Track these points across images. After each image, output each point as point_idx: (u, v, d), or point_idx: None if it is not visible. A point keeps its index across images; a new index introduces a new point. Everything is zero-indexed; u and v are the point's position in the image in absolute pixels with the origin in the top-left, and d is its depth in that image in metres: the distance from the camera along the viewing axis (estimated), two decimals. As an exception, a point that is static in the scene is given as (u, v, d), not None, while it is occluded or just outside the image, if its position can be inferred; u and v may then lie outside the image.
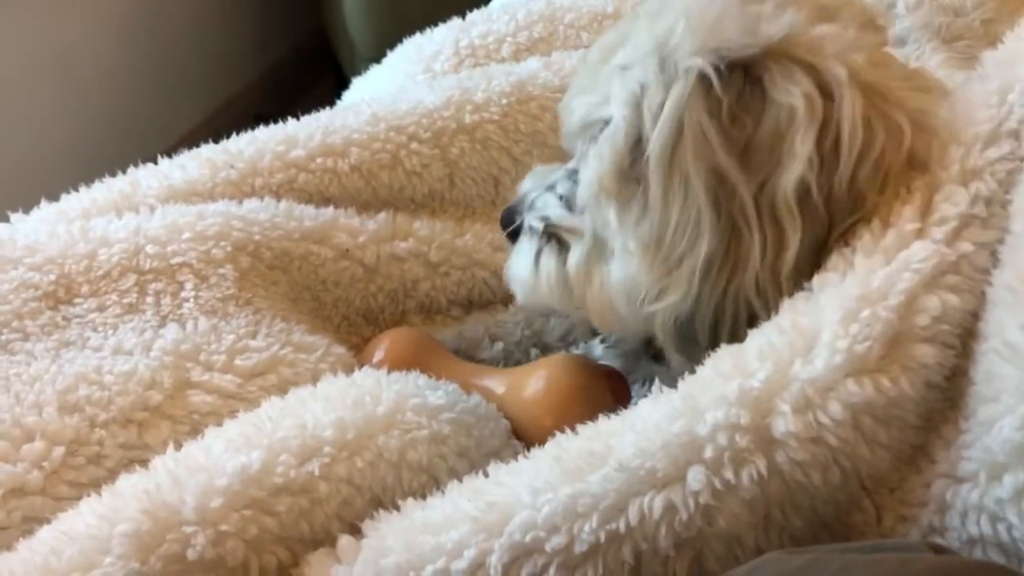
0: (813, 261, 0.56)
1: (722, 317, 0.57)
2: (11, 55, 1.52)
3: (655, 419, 0.51)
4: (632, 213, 0.58)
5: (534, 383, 0.68)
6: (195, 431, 0.63)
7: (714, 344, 0.55)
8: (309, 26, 2.25)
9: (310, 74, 2.21)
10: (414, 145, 0.85)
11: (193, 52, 1.97)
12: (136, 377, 0.64)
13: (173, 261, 0.71)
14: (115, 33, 1.79)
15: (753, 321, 0.56)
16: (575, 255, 0.63)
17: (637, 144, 0.57)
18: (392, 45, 1.15)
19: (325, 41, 2.19)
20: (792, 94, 0.54)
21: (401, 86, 1.02)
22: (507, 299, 0.82)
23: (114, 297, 0.69)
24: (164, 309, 0.69)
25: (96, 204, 0.77)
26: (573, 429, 0.54)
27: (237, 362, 0.67)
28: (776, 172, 0.54)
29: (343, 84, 1.20)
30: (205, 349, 0.67)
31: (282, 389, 0.67)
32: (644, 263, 0.58)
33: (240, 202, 0.77)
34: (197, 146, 0.84)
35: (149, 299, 0.69)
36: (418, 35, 1.13)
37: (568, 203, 0.64)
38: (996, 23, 0.74)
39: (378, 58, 1.15)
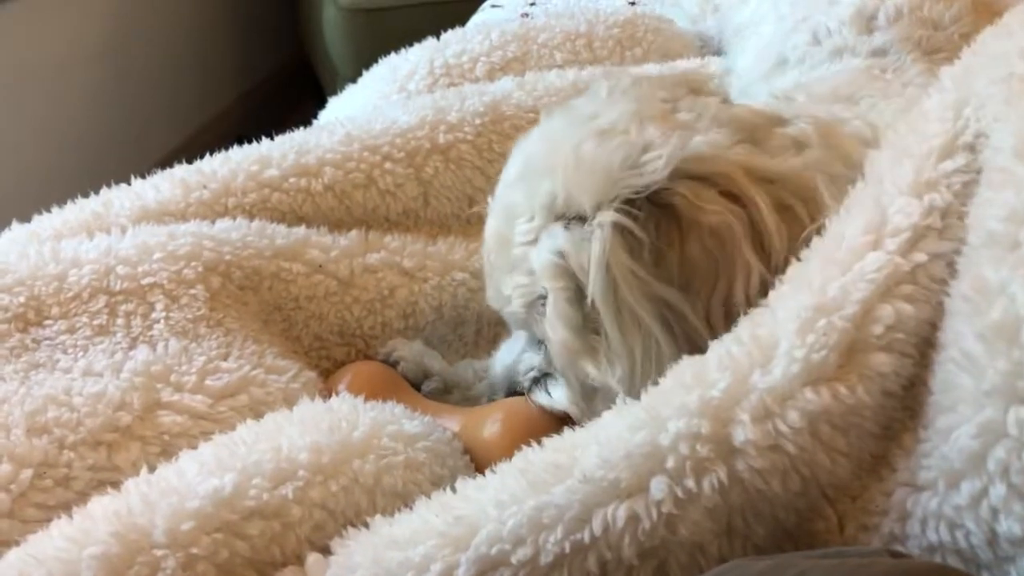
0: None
1: None
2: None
3: (618, 430, 0.52)
4: (603, 361, 0.61)
5: (490, 425, 0.69)
6: (165, 452, 0.63)
7: None
8: (290, 48, 2.27)
9: (292, 96, 2.22)
10: (388, 165, 0.86)
11: (172, 74, 1.98)
12: (105, 398, 0.64)
13: (144, 282, 0.71)
14: (92, 55, 1.79)
15: None
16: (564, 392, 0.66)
17: (581, 299, 0.60)
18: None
19: (306, 63, 2.20)
20: (710, 212, 0.57)
21: (376, 106, 1.03)
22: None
23: (84, 319, 0.69)
24: (135, 330, 0.69)
25: (68, 225, 0.77)
26: None
27: (208, 383, 0.67)
28: (720, 286, 0.58)
29: (325, 106, 1.20)
30: (176, 370, 0.67)
31: (253, 410, 0.67)
32: (626, 395, 0.60)
33: (212, 222, 0.78)
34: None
35: (120, 320, 0.69)
36: (393, 55, 1.14)
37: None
38: (972, 37, 0.76)
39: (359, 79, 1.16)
